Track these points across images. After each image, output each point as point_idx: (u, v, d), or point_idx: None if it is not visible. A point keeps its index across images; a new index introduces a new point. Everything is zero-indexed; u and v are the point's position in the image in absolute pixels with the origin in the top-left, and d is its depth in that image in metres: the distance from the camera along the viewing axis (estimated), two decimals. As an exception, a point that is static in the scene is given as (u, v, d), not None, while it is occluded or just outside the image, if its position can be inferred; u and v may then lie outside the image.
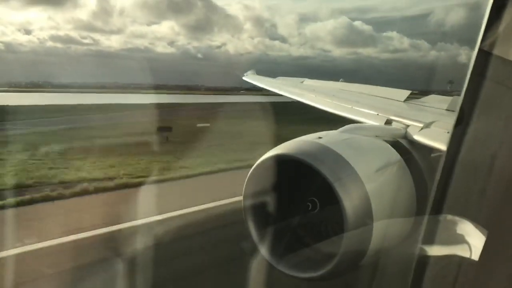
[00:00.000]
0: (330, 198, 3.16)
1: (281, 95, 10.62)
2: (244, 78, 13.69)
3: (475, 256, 1.21)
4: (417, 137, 4.21)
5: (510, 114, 1.18)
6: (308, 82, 11.39)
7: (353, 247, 3.17)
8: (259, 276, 4.55)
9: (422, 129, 4.42)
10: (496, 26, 1.18)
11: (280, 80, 12.73)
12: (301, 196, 3.59)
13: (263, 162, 3.54)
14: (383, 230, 3.29)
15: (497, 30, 1.18)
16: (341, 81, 10.97)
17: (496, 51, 1.19)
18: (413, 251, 1.42)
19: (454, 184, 1.28)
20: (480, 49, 1.21)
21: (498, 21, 1.17)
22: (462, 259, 1.26)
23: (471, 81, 1.25)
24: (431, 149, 4.07)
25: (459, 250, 1.27)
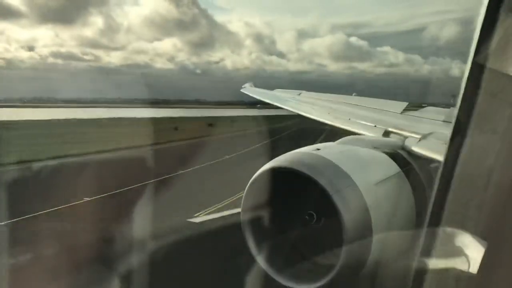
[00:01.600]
0: (329, 210, 3.13)
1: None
2: (242, 90, 13.74)
3: (474, 268, 1.20)
4: (416, 149, 4.21)
5: (505, 126, 1.18)
6: (305, 94, 11.43)
7: (352, 259, 3.14)
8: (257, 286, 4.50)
9: (420, 140, 4.42)
10: (489, 39, 1.19)
11: (278, 92, 12.77)
12: (300, 208, 3.56)
13: (261, 174, 3.52)
14: (383, 242, 3.27)
15: (489, 43, 1.19)
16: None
17: (489, 64, 1.20)
18: (412, 263, 1.41)
19: (452, 196, 1.28)
20: (473, 62, 1.23)
21: (491, 34, 1.19)
22: (460, 272, 1.25)
23: (465, 93, 1.26)
24: (429, 160, 4.06)
25: (457, 263, 1.26)
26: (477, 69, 1.21)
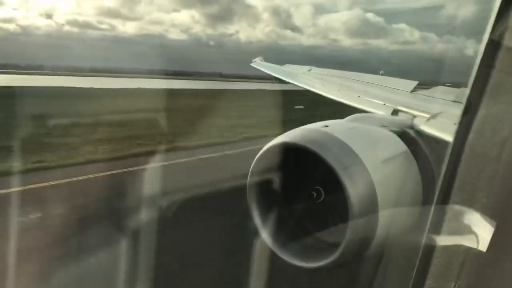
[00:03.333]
0: (335, 187, 3.16)
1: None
2: (252, 64, 13.67)
3: (482, 246, 1.21)
4: (424, 128, 4.20)
5: None
6: (315, 70, 11.34)
7: (358, 236, 3.17)
8: (262, 263, 4.59)
9: (428, 119, 4.40)
10: (506, 17, 1.18)
11: (288, 67, 12.68)
12: (306, 185, 3.60)
13: (268, 149, 3.54)
14: (389, 219, 3.29)
15: (507, 21, 1.18)
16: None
17: (506, 42, 1.18)
18: (419, 241, 1.43)
19: (461, 173, 1.29)
20: (489, 40, 1.21)
21: (508, 12, 1.17)
22: (468, 250, 1.26)
23: (479, 71, 1.24)
24: (437, 140, 4.06)
25: (466, 240, 1.28)
26: (492, 47, 1.20)
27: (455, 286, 1.30)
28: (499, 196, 1.22)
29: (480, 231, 1.23)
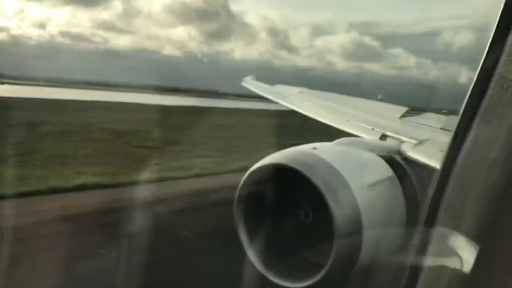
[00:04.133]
0: (321, 208, 3.16)
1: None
2: (242, 83, 13.71)
3: (467, 268, 1.21)
4: (411, 154, 4.23)
5: (507, 133, 1.19)
6: (306, 92, 11.42)
7: (342, 256, 3.17)
8: (249, 284, 4.52)
9: (416, 145, 4.44)
10: (500, 46, 1.20)
11: (279, 88, 12.75)
12: (294, 205, 3.59)
13: (256, 170, 3.54)
14: (373, 242, 3.31)
15: (500, 50, 1.20)
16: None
17: (498, 71, 1.20)
18: (405, 262, 1.42)
19: (449, 195, 1.29)
20: (482, 68, 1.23)
21: (502, 41, 1.19)
22: (454, 272, 1.26)
23: (470, 98, 1.26)
24: (423, 166, 4.10)
25: (451, 262, 1.27)
26: (485, 74, 1.22)
27: None
28: (486, 218, 1.21)
29: (465, 253, 1.23)
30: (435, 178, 1.35)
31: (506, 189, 1.17)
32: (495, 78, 1.21)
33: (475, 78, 1.25)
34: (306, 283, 3.25)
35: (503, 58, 1.19)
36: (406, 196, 3.71)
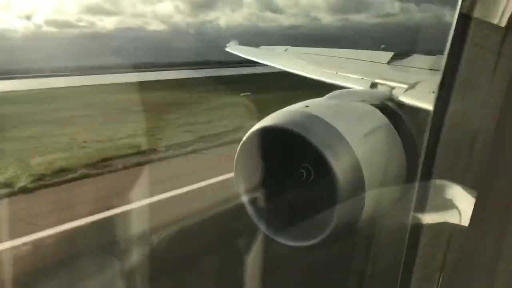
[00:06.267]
0: (321, 166, 3.18)
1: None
2: (226, 49, 13.52)
3: (465, 220, 1.23)
4: (403, 99, 4.23)
5: (490, 78, 1.20)
6: (291, 50, 11.28)
7: (346, 214, 3.21)
8: (255, 246, 4.61)
9: (407, 90, 4.43)
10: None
11: (263, 49, 12.59)
12: (293, 167, 3.61)
13: (251, 135, 3.53)
14: (376, 195, 3.34)
15: None
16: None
17: (475, 14, 1.20)
18: (406, 217, 1.44)
19: (443, 147, 1.30)
20: (460, 12, 1.22)
21: None
22: (453, 224, 1.28)
23: (452, 44, 1.26)
24: (418, 110, 4.09)
25: (450, 215, 1.29)
26: (463, 19, 1.22)
27: (443, 262, 1.31)
28: (481, 165, 1.23)
29: (462, 205, 1.25)
30: (428, 128, 1.36)
31: (498, 132, 1.18)
32: (472, 23, 1.22)
33: (454, 23, 1.25)
34: (312, 241, 3.31)
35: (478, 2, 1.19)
36: (403, 142, 3.73)
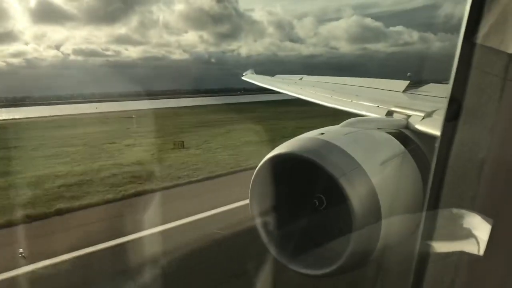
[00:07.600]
0: (336, 194, 3.14)
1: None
2: (243, 78, 13.72)
3: (477, 248, 1.20)
4: (420, 127, 4.19)
5: (497, 105, 1.19)
6: (306, 78, 11.38)
7: (362, 242, 3.15)
8: (269, 274, 4.54)
9: (423, 118, 4.39)
10: (479, 16, 1.20)
11: (279, 78, 12.72)
12: (308, 194, 3.57)
13: (267, 162, 3.52)
14: (392, 224, 3.27)
15: (479, 19, 1.19)
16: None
17: (479, 40, 1.20)
18: (414, 246, 1.42)
19: (450, 176, 1.29)
20: (464, 39, 1.23)
21: (481, 9, 1.19)
22: (461, 252, 1.26)
23: (458, 70, 1.26)
24: (434, 138, 4.04)
25: (459, 244, 1.27)
26: (468, 45, 1.22)
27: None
28: (490, 195, 1.21)
29: (477, 233, 1.22)
30: (434, 161, 1.36)
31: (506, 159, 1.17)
32: (477, 49, 1.22)
33: (458, 50, 1.26)
34: (327, 270, 3.24)
35: (481, 28, 1.20)
36: (420, 170, 3.67)
